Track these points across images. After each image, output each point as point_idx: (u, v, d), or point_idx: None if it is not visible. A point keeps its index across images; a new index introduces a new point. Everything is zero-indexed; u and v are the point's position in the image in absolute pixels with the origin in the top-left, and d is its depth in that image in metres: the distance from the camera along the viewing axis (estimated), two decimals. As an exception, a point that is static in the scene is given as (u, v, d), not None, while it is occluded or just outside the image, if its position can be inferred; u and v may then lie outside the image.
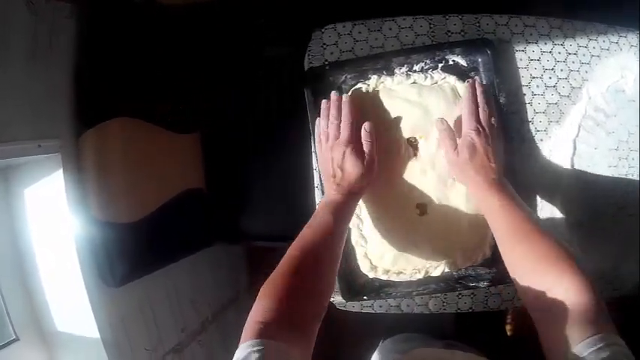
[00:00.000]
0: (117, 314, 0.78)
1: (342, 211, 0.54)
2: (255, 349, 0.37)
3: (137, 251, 0.77)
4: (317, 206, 0.56)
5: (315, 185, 0.68)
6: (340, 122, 0.58)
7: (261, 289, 0.45)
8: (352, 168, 0.56)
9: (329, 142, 0.58)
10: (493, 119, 0.58)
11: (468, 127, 0.56)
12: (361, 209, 0.63)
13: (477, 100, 0.58)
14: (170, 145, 0.85)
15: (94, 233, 0.74)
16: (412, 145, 0.63)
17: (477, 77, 0.64)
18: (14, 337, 0.74)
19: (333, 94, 0.60)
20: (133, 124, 0.78)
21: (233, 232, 0.90)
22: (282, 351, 0.38)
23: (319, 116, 0.61)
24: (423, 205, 0.62)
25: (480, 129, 0.56)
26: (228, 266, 1.28)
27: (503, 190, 0.54)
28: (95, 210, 0.74)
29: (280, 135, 0.84)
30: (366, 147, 0.57)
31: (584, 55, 0.72)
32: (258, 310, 0.42)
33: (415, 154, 0.62)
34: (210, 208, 0.89)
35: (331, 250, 0.51)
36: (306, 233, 0.51)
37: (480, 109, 0.58)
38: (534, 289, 0.44)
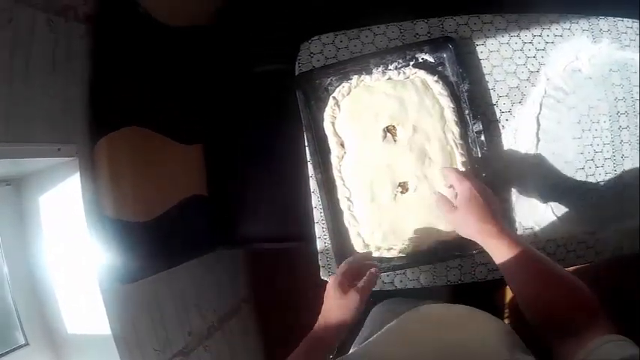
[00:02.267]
0: (127, 313, 0.81)
1: (328, 346, 0.54)
2: None
3: (146, 248, 0.83)
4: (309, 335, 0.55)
5: (312, 190, 0.75)
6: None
7: None
8: (353, 318, 0.54)
9: (344, 282, 0.56)
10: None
11: (460, 182, 0.58)
12: (351, 192, 0.72)
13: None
14: (176, 154, 0.93)
15: (108, 231, 0.78)
16: (391, 132, 0.72)
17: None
18: (24, 342, 0.77)
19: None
20: (143, 134, 0.86)
21: (234, 236, 0.97)
22: None
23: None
24: (404, 183, 0.71)
25: (472, 181, 0.58)
26: (231, 273, 1.32)
27: (508, 234, 0.54)
28: (109, 210, 0.79)
29: (276, 144, 0.93)
30: (362, 284, 0.56)
31: (539, 42, 0.81)
32: None
33: (394, 140, 0.72)
34: (212, 213, 0.96)
35: None
36: None
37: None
38: (546, 316, 0.49)
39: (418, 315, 0.56)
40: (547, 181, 0.79)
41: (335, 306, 0.55)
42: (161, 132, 0.91)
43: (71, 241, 0.79)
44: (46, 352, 0.81)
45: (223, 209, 1.00)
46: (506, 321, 1.20)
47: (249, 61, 1.00)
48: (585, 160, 0.81)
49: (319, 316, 0.56)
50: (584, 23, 0.84)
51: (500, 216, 0.57)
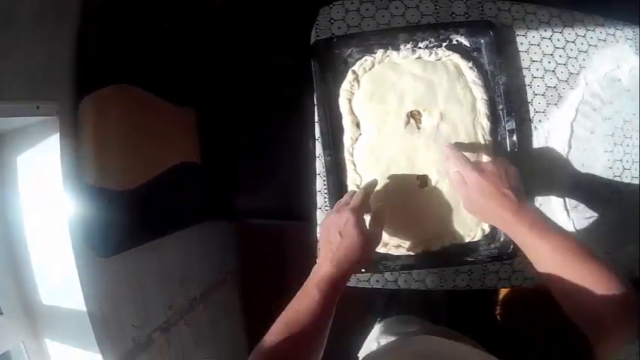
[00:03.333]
0: (104, 287, 0.76)
1: (331, 287, 0.50)
2: None
3: (129, 220, 0.76)
4: (308, 278, 0.52)
5: (317, 172, 0.67)
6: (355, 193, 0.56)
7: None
8: (354, 235, 0.51)
9: (336, 206, 0.56)
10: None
11: (468, 172, 0.54)
12: (362, 179, 0.63)
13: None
14: (168, 117, 0.84)
15: (87, 199, 0.72)
16: (415, 118, 0.64)
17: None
18: None
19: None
20: (133, 93, 0.77)
21: (226, 208, 0.89)
22: None
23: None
24: (423, 178, 0.63)
25: (473, 165, 0.54)
26: (218, 245, 1.26)
27: (529, 217, 0.50)
28: (89, 175, 0.72)
29: (281, 114, 0.84)
30: (374, 222, 0.55)
31: (582, 43, 0.75)
32: None
33: (418, 127, 0.63)
34: (204, 183, 0.88)
35: (314, 331, 0.48)
36: (290, 311, 0.49)
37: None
38: (583, 316, 0.45)
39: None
40: (573, 193, 0.72)
41: (357, 244, 0.51)
42: (152, 91, 0.82)
43: (48, 209, 0.71)
44: (21, 321, 0.75)
45: (216, 179, 0.91)
46: (497, 310, 1.16)
47: (264, 22, 0.88)
48: (613, 175, 0.75)
49: (326, 259, 0.51)
50: (628, 32, 0.78)
51: (518, 193, 0.52)
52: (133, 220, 0.77)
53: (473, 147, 0.63)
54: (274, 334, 0.47)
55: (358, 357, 0.62)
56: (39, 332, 0.77)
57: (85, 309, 0.71)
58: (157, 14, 0.84)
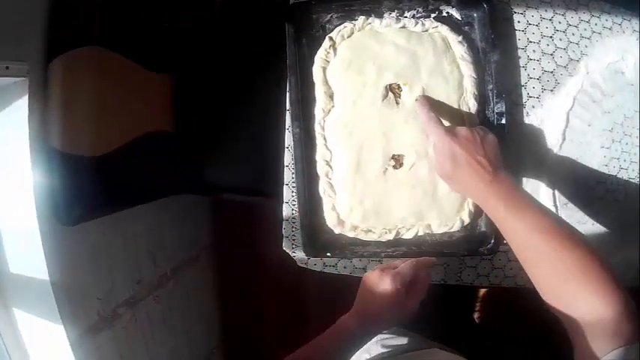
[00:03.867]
0: (68, 257, 0.73)
1: (352, 342, 0.49)
2: None
3: (97, 188, 0.72)
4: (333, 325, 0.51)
5: (286, 146, 0.62)
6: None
7: None
8: (387, 299, 0.48)
9: (384, 269, 0.51)
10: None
11: (440, 136, 0.49)
12: (332, 155, 0.58)
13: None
14: (142, 82, 0.80)
15: (53, 165, 0.68)
16: (395, 92, 0.58)
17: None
18: None
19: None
20: (106, 55, 0.73)
21: (199, 181, 0.84)
22: None
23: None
24: (399, 157, 0.57)
25: (454, 133, 0.49)
26: (192, 220, 1.22)
27: (505, 189, 0.46)
28: (57, 140, 0.68)
29: (257, 85, 0.79)
30: (417, 293, 0.51)
31: (585, 29, 0.69)
32: None
33: (397, 102, 0.58)
34: (177, 153, 0.83)
35: None
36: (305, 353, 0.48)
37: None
38: (562, 308, 0.41)
39: None
40: (564, 188, 0.67)
41: (393, 311, 0.49)
42: (127, 55, 0.77)
43: (14, 173, 0.68)
44: None
45: (189, 150, 0.86)
46: (476, 315, 1.11)
47: None
48: (609, 173, 0.70)
49: (357, 315, 0.50)
50: (635, 23, 0.72)
51: (494, 162, 0.48)
52: (100, 188, 0.73)
53: (451, 113, 0.57)
54: None
55: None
56: (7, 301, 0.75)
57: (47, 278, 0.69)
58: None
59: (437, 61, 0.58)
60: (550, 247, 0.41)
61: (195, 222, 1.25)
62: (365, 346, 0.61)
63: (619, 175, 0.70)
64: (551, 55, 0.66)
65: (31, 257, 0.69)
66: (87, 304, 0.77)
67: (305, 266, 0.61)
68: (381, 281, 0.49)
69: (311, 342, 0.49)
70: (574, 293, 0.40)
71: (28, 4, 0.66)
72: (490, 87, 0.60)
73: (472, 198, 0.51)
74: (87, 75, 0.72)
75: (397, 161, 0.57)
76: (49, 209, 0.68)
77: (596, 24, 0.70)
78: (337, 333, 0.49)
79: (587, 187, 0.69)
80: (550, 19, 0.67)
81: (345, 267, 0.62)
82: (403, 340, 0.60)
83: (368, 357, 0.59)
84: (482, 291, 1.12)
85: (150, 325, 0.93)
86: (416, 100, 0.56)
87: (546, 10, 0.67)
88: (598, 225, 0.70)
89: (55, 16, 0.69)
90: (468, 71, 0.59)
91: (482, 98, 0.60)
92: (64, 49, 0.69)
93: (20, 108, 0.66)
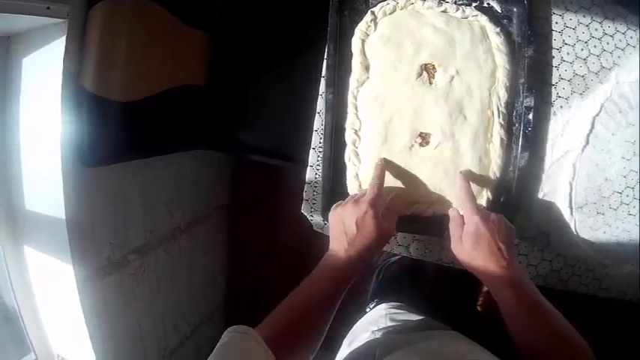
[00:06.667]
0: (87, 197, 0.74)
1: (345, 278, 0.50)
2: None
3: (123, 133, 0.73)
4: (318, 265, 0.52)
5: (317, 111, 0.64)
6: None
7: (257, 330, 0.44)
8: (371, 227, 0.51)
9: (352, 198, 0.54)
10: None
11: (469, 213, 0.52)
12: (361, 125, 0.59)
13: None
14: (180, 36, 0.81)
15: (83, 106, 0.70)
16: (429, 72, 0.59)
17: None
18: None
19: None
20: (147, 6, 0.74)
21: (223, 138, 0.85)
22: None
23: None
24: (426, 135, 0.59)
25: (482, 213, 0.52)
26: (211, 178, 1.23)
27: (516, 278, 0.49)
28: (90, 82, 0.70)
29: (295, 49, 0.80)
30: (387, 215, 0.53)
31: (620, 40, 0.70)
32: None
33: (430, 82, 0.59)
34: (207, 109, 0.84)
35: (319, 322, 0.48)
36: (298, 297, 0.49)
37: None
38: None
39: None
40: (580, 191, 0.67)
41: (375, 237, 0.51)
42: (168, 9, 0.79)
43: (44, 111, 0.70)
44: (3, 226, 0.75)
45: (220, 108, 0.87)
46: (479, 304, 1.11)
47: None
48: (626, 185, 0.70)
49: (340, 250, 0.51)
50: (670, 43, 0.73)
51: (510, 253, 0.51)
52: (126, 134, 0.75)
53: (481, 180, 0.60)
54: (281, 313, 0.47)
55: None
56: (19, 238, 0.78)
57: (63, 217, 0.70)
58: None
59: (473, 47, 0.60)
60: (541, 323, 0.46)
61: (215, 180, 1.25)
62: (373, 318, 0.62)
63: (636, 189, 0.71)
64: (584, 59, 0.67)
65: (49, 195, 0.71)
66: (99, 247, 0.78)
67: (320, 231, 0.62)
68: (358, 211, 0.51)
69: (298, 289, 0.49)
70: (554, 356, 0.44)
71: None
72: (522, 81, 0.61)
73: (483, 279, 0.52)
74: (126, 24, 0.73)
75: (424, 139, 0.59)
76: (74, 149, 0.70)
77: (631, 37, 0.70)
78: (324, 274, 0.50)
79: (602, 195, 0.69)
80: (587, 25, 0.68)
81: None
82: (412, 317, 0.61)
83: (375, 329, 0.59)
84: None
85: (156, 275, 0.94)
86: (460, 172, 0.58)
87: (584, 16, 0.68)
88: (609, 234, 0.70)
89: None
90: (501, 62, 0.60)
91: (512, 90, 0.61)
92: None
93: (57, 48, 0.68)
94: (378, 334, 0.59)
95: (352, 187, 0.59)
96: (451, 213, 0.55)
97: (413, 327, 0.58)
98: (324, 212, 0.59)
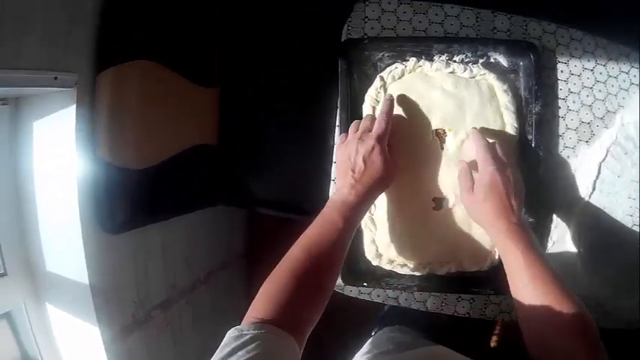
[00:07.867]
0: (109, 262, 0.75)
1: (353, 214, 0.49)
2: (255, 331, 0.39)
3: (140, 199, 0.74)
4: (327, 202, 0.52)
5: (332, 179, 0.65)
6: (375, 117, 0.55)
7: (261, 287, 0.45)
8: (379, 163, 0.50)
9: (358, 132, 0.54)
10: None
11: (484, 164, 0.51)
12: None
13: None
14: (188, 96, 0.81)
15: (99, 175, 0.70)
16: (439, 136, 0.60)
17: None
18: (2, 271, 0.71)
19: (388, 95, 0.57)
20: (155, 69, 0.74)
21: (239, 195, 0.86)
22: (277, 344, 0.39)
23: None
24: (439, 200, 0.60)
25: (498, 165, 0.51)
26: (227, 230, 1.24)
27: (525, 237, 0.48)
28: (104, 151, 0.70)
29: (305, 104, 0.80)
30: (392, 149, 0.53)
31: (624, 80, 0.71)
32: (257, 309, 0.43)
33: (441, 147, 0.60)
34: (219, 167, 0.85)
35: (335, 258, 0.48)
36: (311, 237, 0.48)
37: (496, 144, 0.55)
38: (540, 345, 0.43)
39: None
40: (588, 232, 0.69)
41: (383, 172, 0.51)
42: (176, 69, 0.78)
43: (60, 178, 0.70)
44: (24, 284, 0.74)
45: (232, 164, 0.88)
46: (494, 338, 1.14)
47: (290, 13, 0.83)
48: (632, 223, 0.72)
49: (346, 186, 0.51)
50: (674, 78, 0.73)
51: (520, 211, 0.50)
52: (144, 199, 0.75)
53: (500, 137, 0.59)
54: (295, 254, 0.47)
55: None
56: (41, 296, 0.77)
57: (87, 282, 0.71)
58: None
59: (481, 108, 0.60)
60: (542, 296, 0.44)
61: (230, 230, 1.27)
62: (374, 342, 0.64)
63: (641, 225, 0.73)
64: (590, 106, 0.68)
65: (70, 259, 0.71)
66: (123, 306, 0.79)
67: (340, 292, 0.64)
68: (365, 147, 0.51)
69: (309, 230, 0.48)
70: (555, 319, 0.42)
71: (78, 16, 0.67)
72: (530, 137, 0.62)
73: (489, 231, 0.51)
74: (135, 88, 0.72)
75: (437, 203, 0.60)
76: (94, 215, 0.70)
77: (634, 75, 0.71)
78: (340, 210, 0.49)
79: (609, 233, 0.71)
80: (592, 70, 0.69)
81: (378, 295, 0.65)
82: (410, 337, 0.63)
83: (377, 351, 0.60)
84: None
85: (180, 327, 0.96)
86: (473, 127, 0.58)
87: (589, 60, 0.68)
88: (614, 269, 0.73)
89: (105, 28, 0.70)
90: (510, 120, 0.61)
91: (521, 147, 0.62)
92: (113, 61, 0.70)
93: (69, 116, 0.68)
94: (376, 351, 0.60)
95: (369, 252, 0.61)
96: (459, 164, 0.56)
97: (409, 346, 0.59)
98: (344, 276, 0.60)
